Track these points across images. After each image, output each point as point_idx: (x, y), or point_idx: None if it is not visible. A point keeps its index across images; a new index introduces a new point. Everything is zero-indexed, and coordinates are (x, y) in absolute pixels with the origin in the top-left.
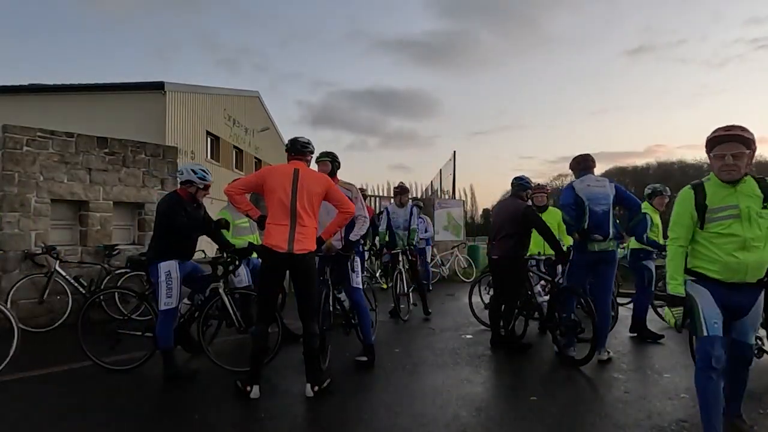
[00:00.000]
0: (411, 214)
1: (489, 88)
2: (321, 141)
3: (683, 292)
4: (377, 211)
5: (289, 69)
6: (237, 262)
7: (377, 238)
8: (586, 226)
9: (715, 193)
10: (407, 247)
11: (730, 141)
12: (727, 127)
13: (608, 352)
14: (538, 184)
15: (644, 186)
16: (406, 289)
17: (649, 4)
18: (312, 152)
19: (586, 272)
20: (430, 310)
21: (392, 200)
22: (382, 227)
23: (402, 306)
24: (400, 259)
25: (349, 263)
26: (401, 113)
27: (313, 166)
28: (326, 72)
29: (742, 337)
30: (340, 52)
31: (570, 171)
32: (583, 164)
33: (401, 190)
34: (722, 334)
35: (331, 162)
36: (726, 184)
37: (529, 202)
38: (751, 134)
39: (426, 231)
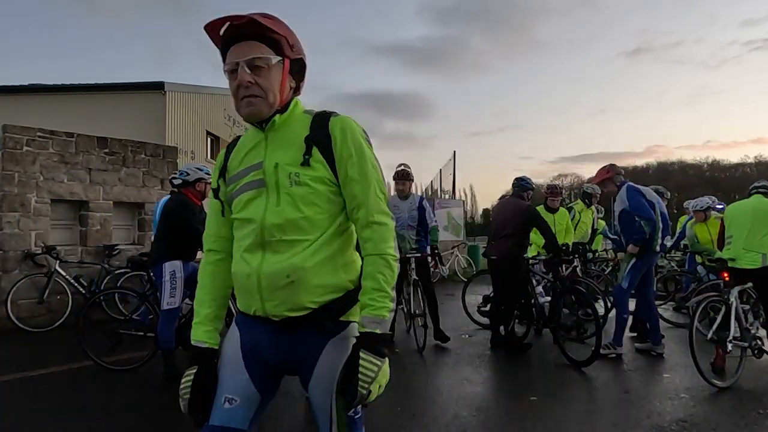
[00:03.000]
0: (423, 208)
1: (485, 91)
2: None
3: (198, 337)
4: None
5: None
6: None
7: None
8: (660, 228)
9: (243, 146)
10: (416, 251)
11: (242, 40)
12: (230, 16)
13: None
14: (555, 186)
15: (644, 186)
16: (421, 307)
17: (645, 6)
18: None
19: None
20: (448, 336)
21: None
22: None
23: (417, 324)
24: (412, 266)
25: None
26: (397, 115)
27: None
28: (322, 76)
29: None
30: (336, 57)
31: (570, 171)
32: (617, 170)
33: (398, 176)
34: (239, 424)
35: None
36: (258, 127)
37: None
38: (283, 26)
39: None
